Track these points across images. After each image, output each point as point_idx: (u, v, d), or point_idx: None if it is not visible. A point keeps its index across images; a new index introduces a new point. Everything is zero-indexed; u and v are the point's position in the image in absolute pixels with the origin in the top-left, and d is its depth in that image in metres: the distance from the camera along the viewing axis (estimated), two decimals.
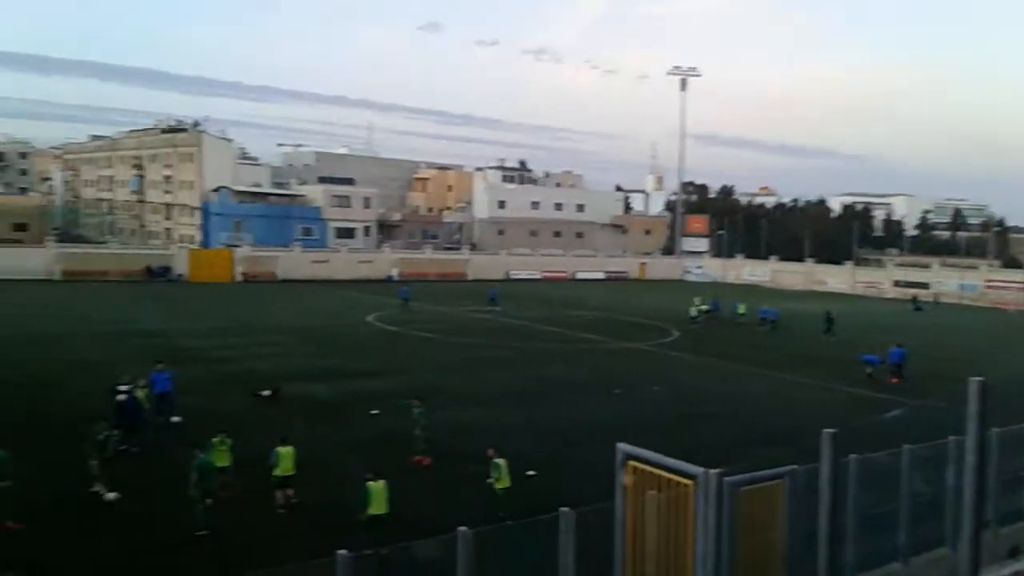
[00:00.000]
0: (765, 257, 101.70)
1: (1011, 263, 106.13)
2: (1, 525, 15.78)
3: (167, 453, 21.09)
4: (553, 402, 29.50)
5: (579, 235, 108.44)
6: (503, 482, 17.33)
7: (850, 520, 12.62)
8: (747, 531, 11.04)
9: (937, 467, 13.65)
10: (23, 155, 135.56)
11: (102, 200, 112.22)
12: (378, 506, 15.83)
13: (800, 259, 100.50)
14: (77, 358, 33.79)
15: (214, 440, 18.23)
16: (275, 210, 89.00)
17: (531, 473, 20.61)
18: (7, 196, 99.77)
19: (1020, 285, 79.14)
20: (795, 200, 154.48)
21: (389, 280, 78.12)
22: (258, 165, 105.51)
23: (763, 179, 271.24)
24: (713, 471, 10.71)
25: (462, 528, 12.18)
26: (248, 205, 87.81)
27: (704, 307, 56.53)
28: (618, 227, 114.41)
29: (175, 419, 23.47)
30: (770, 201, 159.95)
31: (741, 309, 56.14)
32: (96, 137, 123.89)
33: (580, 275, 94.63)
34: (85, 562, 15.08)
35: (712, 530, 10.66)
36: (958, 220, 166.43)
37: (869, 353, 36.45)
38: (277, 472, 17.56)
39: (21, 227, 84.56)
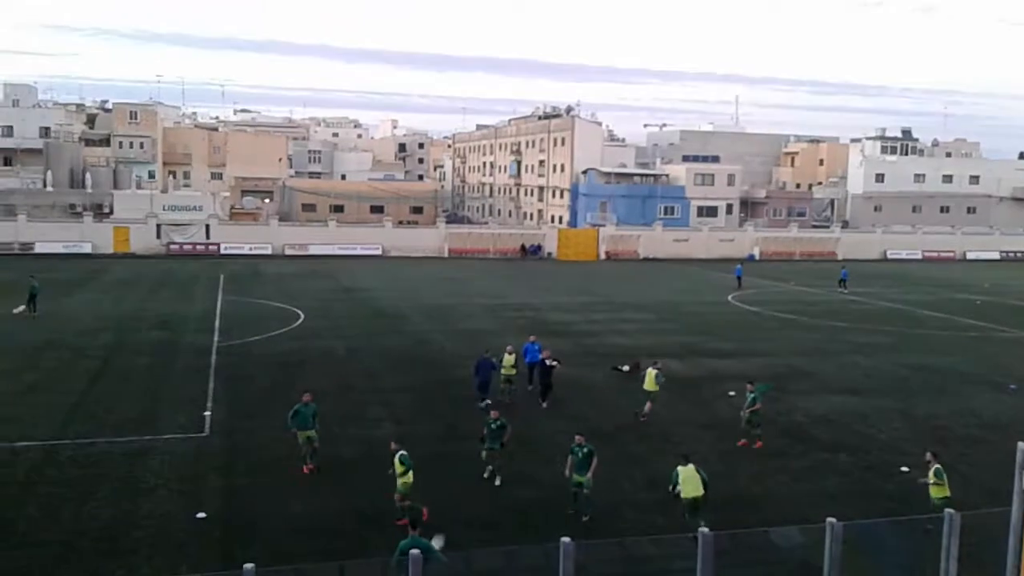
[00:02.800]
0: None
1: None
2: (304, 468, 18.10)
3: (534, 421, 22.68)
4: (932, 394, 26.86)
5: (971, 210, 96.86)
6: (942, 491, 15.17)
7: None
8: None
9: None
10: (421, 145, 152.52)
11: (484, 184, 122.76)
12: (691, 489, 15.10)
13: None
14: (467, 328, 37.44)
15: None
16: (639, 189, 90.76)
17: (905, 469, 19.01)
18: (408, 183, 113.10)
19: None
20: None
21: (750, 259, 76.13)
22: (624, 146, 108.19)
23: None
24: None
25: (831, 519, 11.61)
26: (613, 186, 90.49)
27: None
28: (1020, 200, 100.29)
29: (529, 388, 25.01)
30: None
31: None
32: (481, 126, 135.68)
33: (971, 255, 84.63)
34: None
35: None
36: None
37: None
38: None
39: (418, 210, 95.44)
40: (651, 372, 23.30)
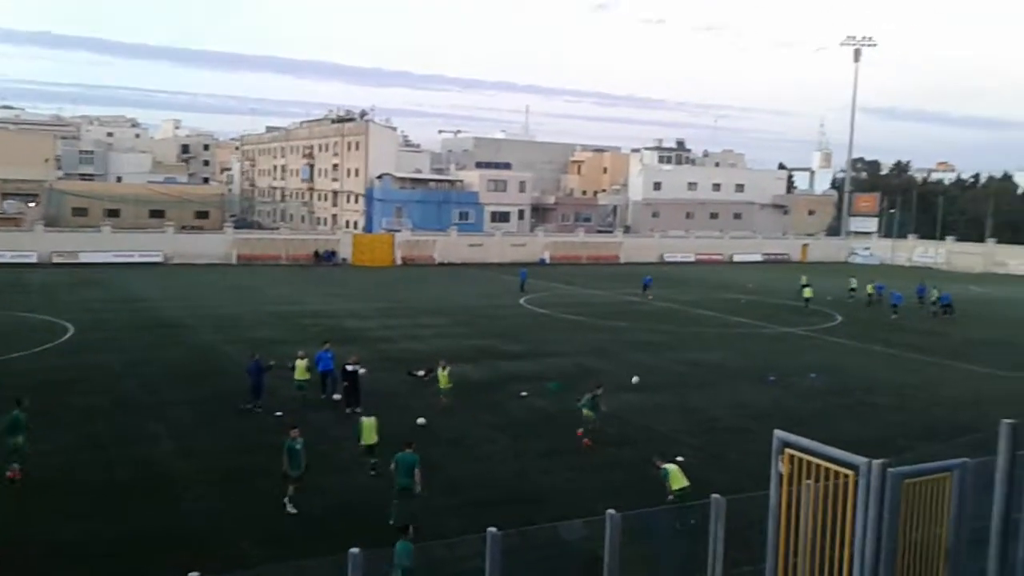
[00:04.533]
0: (940, 237, 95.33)
1: None
2: (3, 474, 17.48)
3: (327, 430, 22.23)
4: (706, 388, 28.90)
5: (737, 216, 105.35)
6: (678, 483, 16.26)
7: None
8: (910, 525, 10.49)
9: None
10: (206, 147, 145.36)
11: (275, 188, 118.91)
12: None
13: (980, 239, 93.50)
14: (255, 337, 36.02)
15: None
16: (434, 195, 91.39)
17: (680, 459, 20.27)
18: (191, 186, 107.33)
19: None
20: (975, 176, 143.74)
21: (541, 263, 78.70)
22: (419, 152, 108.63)
23: (943, 154, 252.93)
24: (876, 461, 10.22)
25: (610, 511, 12.18)
26: (408, 191, 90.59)
27: (865, 288, 54.35)
28: (779, 207, 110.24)
29: (336, 397, 24.63)
30: (949, 177, 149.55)
31: (934, 295, 51.21)
32: (271, 128, 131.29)
33: (737, 257, 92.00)
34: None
35: (873, 522, 10.19)
36: None
37: None
38: (362, 442, 18.66)
39: (203, 215, 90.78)
40: (442, 372, 24.57)
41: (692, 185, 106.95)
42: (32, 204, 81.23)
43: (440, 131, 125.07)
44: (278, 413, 22.69)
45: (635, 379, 28.67)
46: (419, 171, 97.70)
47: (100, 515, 16.15)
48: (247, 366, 24.29)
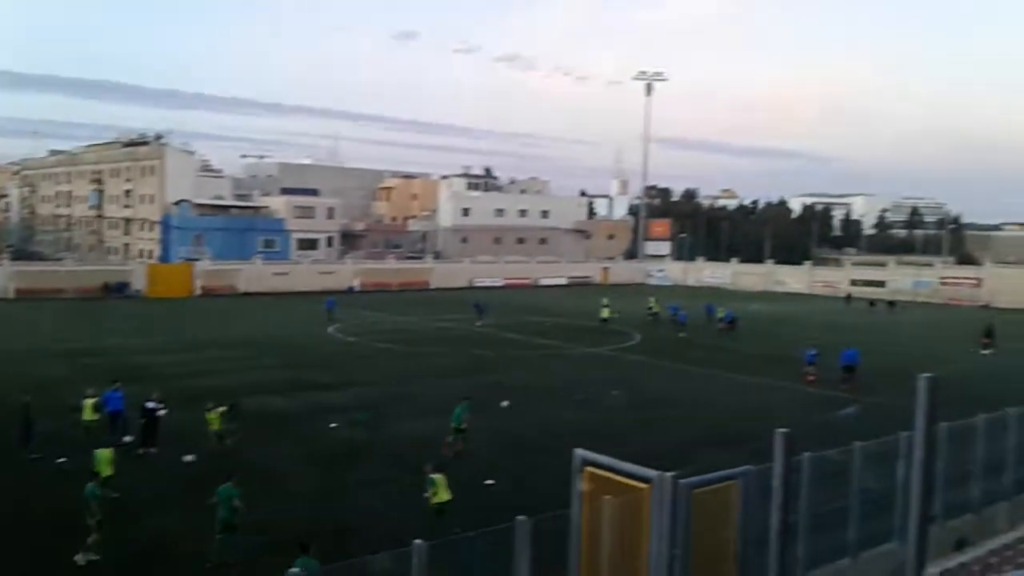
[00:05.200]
0: (726, 259, 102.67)
1: (965, 260, 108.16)
2: None
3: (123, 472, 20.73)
4: (514, 410, 29.45)
5: (543, 241, 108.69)
6: (440, 496, 17.06)
7: (802, 518, 12.75)
8: (701, 532, 11.13)
9: (887, 463, 13.85)
10: None
11: (59, 216, 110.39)
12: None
13: (760, 260, 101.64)
14: (33, 377, 33.07)
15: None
16: (236, 222, 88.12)
17: (490, 482, 20.58)
18: None
19: (973, 281, 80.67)
20: (755, 202, 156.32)
21: (351, 291, 77.65)
22: (220, 177, 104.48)
23: (728, 182, 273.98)
24: (667, 474, 10.79)
25: (417, 541, 12.11)
26: (209, 218, 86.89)
27: (652, 307, 57.86)
28: (582, 232, 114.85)
29: (127, 439, 23.08)
30: (732, 203, 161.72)
31: (720, 313, 55.10)
32: (55, 152, 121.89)
33: (543, 281, 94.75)
34: None
35: (666, 532, 10.74)
36: (914, 218, 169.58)
37: (812, 351, 36.45)
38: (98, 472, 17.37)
39: None
40: (211, 415, 23.25)
41: (500, 211, 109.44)
42: None
43: (243, 156, 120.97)
44: (60, 460, 20.95)
45: (504, 403, 28.91)
46: (221, 197, 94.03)
47: None
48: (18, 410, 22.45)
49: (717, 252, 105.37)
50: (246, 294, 73.55)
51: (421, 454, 23.14)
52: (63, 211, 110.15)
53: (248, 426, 25.13)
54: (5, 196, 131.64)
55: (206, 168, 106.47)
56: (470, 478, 20.65)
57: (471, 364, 39.15)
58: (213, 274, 75.16)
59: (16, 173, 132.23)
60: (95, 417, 22.77)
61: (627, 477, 11.37)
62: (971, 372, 37.62)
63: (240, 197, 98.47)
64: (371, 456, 22.94)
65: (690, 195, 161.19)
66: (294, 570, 10.71)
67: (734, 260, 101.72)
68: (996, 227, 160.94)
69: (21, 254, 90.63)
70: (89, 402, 22.90)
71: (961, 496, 15.79)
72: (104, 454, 18.12)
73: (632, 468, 11.37)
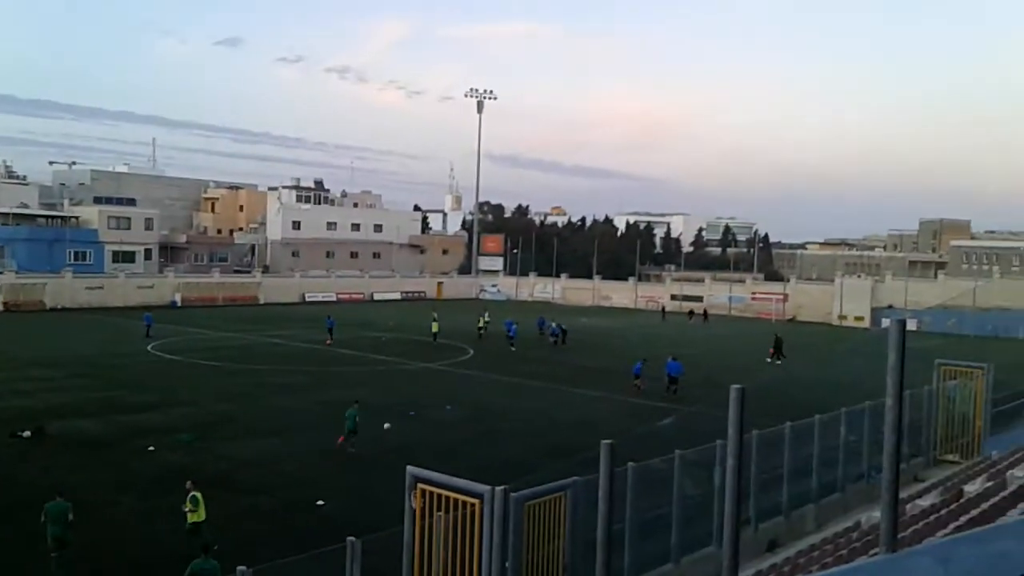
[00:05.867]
0: (556, 275, 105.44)
1: (773, 276, 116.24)
2: None
3: None
4: (337, 426, 28.89)
5: (376, 255, 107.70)
6: (198, 515, 16.91)
7: (628, 525, 13.25)
8: (533, 544, 11.34)
9: (705, 469, 14.65)
10: None
11: None
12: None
13: (589, 276, 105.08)
14: None
15: None
16: (44, 233, 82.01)
17: (320, 503, 20.13)
18: None
19: (780, 296, 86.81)
20: (583, 219, 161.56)
21: (173, 306, 73.96)
22: (25, 184, 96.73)
23: (558, 199, 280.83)
24: (499, 488, 10.92)
25: (241, 567, 11.69)
26: (13, 228, 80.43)
27: (487, 321, 58.28)
28: (416, 247, 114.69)
29: None
30: (562, 220, 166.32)
31: (552, 327, 56.40)
32: None
33: (377, 296, 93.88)
34: None
35: (498, 546, 10.85)
36: (728, 236, 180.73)
37: (638, 363, 38.19)
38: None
39: None
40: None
41: (332, 225, 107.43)
42: None
43: (51, 162, 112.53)
44: None
45: (386, 425, 27.88)
46: (26, 205, 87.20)
47: None
48: None
49: (548, 268, 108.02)
50: (54, 309, 68.53)
51: (241, 477, 22.37)
52: None
53: (55, 451, 23.44)
54: None
55: (9, 175, 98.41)
56: (303, 499, 20.12)
57: (304, 381, 38.18)
58: (17, 288, 69.53)
59: None
60: None
61: (459, 493, 11.43)
62: (768, 382, 40.43)
63: (48, 206, 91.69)
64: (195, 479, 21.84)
65: (522, 211, 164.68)
66: None
67: (564, 275, 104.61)
68: (801, 245, 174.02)
69: None
70: None
71: (772, 500, 16.91)
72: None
73: (464, 484, 11.44)
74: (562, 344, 53.74)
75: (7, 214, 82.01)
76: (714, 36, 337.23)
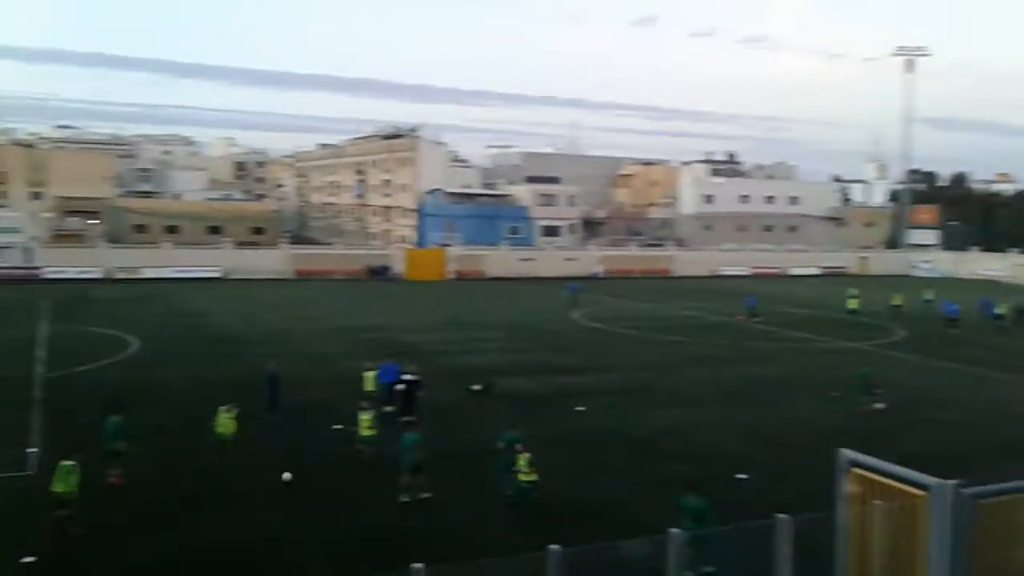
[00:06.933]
0: (1002, 250, 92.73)
1: None
2: (107, 480, 18.19)
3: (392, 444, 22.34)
4: (764, 404, 28.44)
5: (792, 229, 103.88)
6: (529, 476, 17.46)
7: None
8: (987, 548, 10.21)
9: None
10: (260, 164, 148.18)
11: (328, 204, 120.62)
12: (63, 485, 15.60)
13: None
14: (313, 352, 36.53)
15: (222, 408, 20.13)
16: (484, 210, 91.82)
17: (741, 476, 20.03)
18: (246, 203, 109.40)
19: None
20: None
21: (594, 277, 78.48)
22: (469, 167, 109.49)
23: (1004, 164, 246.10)
24: (949, 482, 9.99)
25: (674, 530, 12.05)
26: (459, 206, 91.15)
27: (929, 300, 53.99)
28: (835, 220, 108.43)
29: (388, 408, 24.80)
30: (1010, 188, 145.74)
31: (1001, 309, 49.51)
32: (323, 145, 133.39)
33: (793, 271, 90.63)
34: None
35: (947, 545, 9.94)
36: None
37: None
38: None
39: (258, 231, 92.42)
40: (364, 416, 21.10)
41: (744, 198, 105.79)
42: (94, 221, 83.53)
43: (489, 146, 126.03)
44: (337, 426, 22.92)
45: (286, 475, 19.09)
46: (469, 186, 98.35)
47: (167, 529, 16.44)
48: (265, 376, 25.06)
49: (993, 242, 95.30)
50: (494, 278, 76.49)
51: (663, 444, 23.07)
52: (331, 200, 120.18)
53: (500, 405, 26.20)
54: (282, 186, 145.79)
55: (455, 159, 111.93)
56: (724, 472, 20.19)
57: (719, 354, 38.28)
58: (464, 259, 78.90)
59: (290, 165, 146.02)
60: (374, 388, 24.85)
61: (900, 482, 10.62)
62: None
63: (487, 186, 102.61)
64: (617, 442, 23.11)
65: (959, 179, 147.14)
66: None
67: (1013, 251, 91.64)
68: None
69: (298, 239, 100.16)
70: (369, 375, 25.13)
71: None
72: (223, 417, 19.92)
73: (907, 472, 10.62)
74: (1014, 328, 47.17)
75: (455, 194, 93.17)
76: None
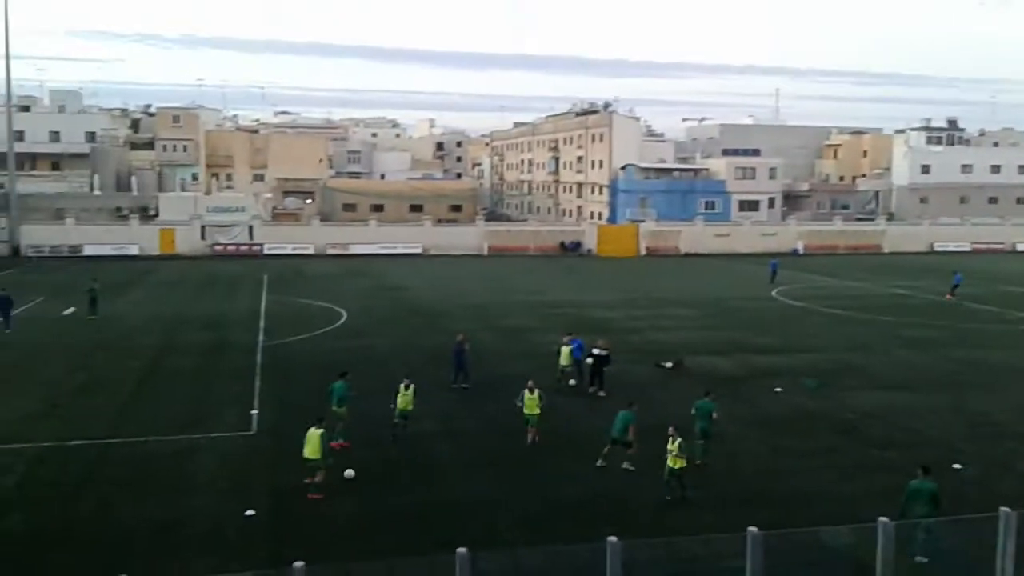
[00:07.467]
0: None
1: None
2: (338, 443, 19.34)
3: (581, 419, 22.55)
4: (987, 389, 26.26)
5: (1020, 201, 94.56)
6: (678, 461, 16.62)
7: None
8: None
9: None
10: (459, 144, 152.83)
11: (522, 182, 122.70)
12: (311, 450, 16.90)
13: None
14: (506, 326, 37.48)
15: (400, 386, 20.43)
16: (678, 185, 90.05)
17: (958, 466, 18.63)
18: (446, 181, 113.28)
19: None
20: None
21: (795, 253, 75.16)
22: (663, 141, 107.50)
23: None
24: None
25: (883, 519, 11.42)
26: (653, 181, 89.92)
27: None
28: None
29: (571, 382, 25.51)
30: None
31: None
32: (518, 124, 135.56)
33: (1021, 247, 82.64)
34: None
35: None
36: None
37: None
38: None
39: (457, 208, 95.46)
40: (529, 396, 20.53)
41: (966, 168, 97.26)
42: (309, 201, 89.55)
43: (684, 119, 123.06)
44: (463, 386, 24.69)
45: (349, 472, 18.15)
46: (663, 161, 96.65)
47: (372, 492, 17.47)
48: (453, 349, 26.18)
49: None
50: (687, 255, 75.08)
51: (867, 428, 21.81)
52: (525, 177, 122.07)
53: (691, 383, 25.72)
54: (479, 165, 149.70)
55: (649, 133, 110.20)
56: (936, 461, 18.89)
57: (935, 336, 35.66)
58: (656, 235, 77.91)
59: (487, 145, 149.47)
60: (569, 362, 25.24)
61: None
62: None
63: (681, 160, 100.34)
64: (817, 425, 22.12)
65: None
66: None
67: None
68: None
69: (493, 216, 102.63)
70: (565, 349, 25.47)
71: None
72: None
73: None
74: None
75: (648, 168, 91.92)
76: None
